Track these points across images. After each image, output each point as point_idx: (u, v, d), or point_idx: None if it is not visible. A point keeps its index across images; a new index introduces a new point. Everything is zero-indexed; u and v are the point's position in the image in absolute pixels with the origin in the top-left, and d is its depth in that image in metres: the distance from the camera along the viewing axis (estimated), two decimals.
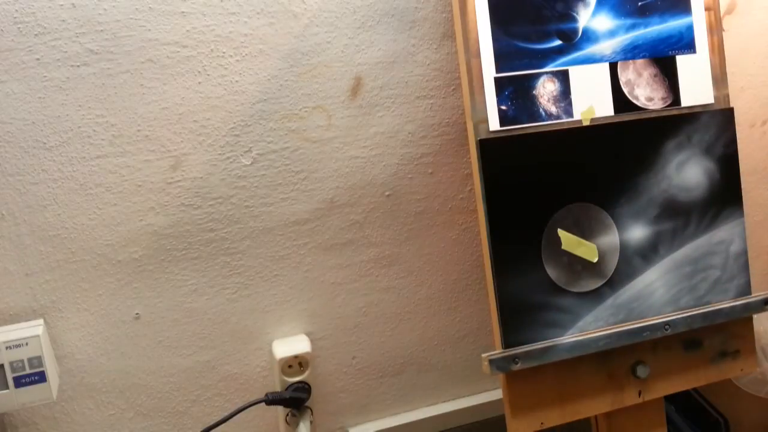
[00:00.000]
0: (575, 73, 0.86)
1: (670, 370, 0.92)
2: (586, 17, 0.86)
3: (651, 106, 0.89)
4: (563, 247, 0.86)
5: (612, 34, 0.87)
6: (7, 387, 0.83)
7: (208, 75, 0.86)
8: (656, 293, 0.89)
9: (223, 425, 0.92)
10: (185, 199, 0.89)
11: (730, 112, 0.92)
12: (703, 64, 0.91)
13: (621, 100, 0.88)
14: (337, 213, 0.96)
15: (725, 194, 0.92)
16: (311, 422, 0.98)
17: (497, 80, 0.83)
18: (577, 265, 0.86)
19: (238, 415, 0.93)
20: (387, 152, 0.96)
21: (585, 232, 0.87)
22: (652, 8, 0.88)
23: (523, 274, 0.84)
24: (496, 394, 1.10)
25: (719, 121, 0.91)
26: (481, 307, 1.07)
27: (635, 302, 0.88)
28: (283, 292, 0.96)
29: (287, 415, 0.98)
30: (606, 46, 0.87)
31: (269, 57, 0.88)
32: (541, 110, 0.85)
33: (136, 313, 0.91)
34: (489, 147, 0.83)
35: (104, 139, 0.84)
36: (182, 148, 0.87)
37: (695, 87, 0.91)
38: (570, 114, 0.86)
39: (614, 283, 0.88)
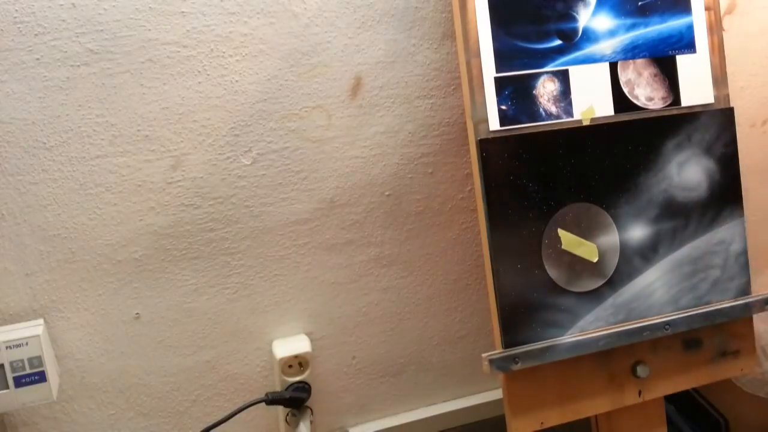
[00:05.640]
0: (575, 72, 0.86)
1: (670, 370, 0.92)
2: (586, 17, 0.86)
3: (651, 105, 0.89)
4: (563, 246, 0.86)
5: (612, 33, 0.87)
6: (7, 387, 0.83)
7: (208, 75, 0.86)
8: (656, 293, 0.89)
9: (223, 425, 0.92)
10: (185, 199, 0.89)
11: (730, 111, 0.92)
12: (703, 63, 0.91)
13: (621, 100, 0.88)
14: (337, 213, 0.96)
15: (725, 194, 0.92)
16: (311, 422, 0.98)
17: (497, 80, 0.83)
18: (577, 265, 0.86)
19: (238, 415, 0.93)
20: (387, 152, 0.96)
21: (585, 232, 0.87)
22: (652, 8, 0.88)
23: (523, 274, 0.84)
24: (496, 394, 1.10)
25: (719, 121, 0.91)
26: (481, 307, 1.08)
27: (635, 302, 0.88)
28: (283, 292, 0.97)
29: (287, 415, 0.98)
30: (606, 46, 0.87)
31: (269, 57, 0.88)
32: (541, 110, 0.85)
33: (136, 313, 0.91)
34: (489, 147, 0.83)
35: (104, 139, 0.84)
36: (182, 148, 0.87)
37: (695, 87, 0.91)
38: (570, 114, 0.86)
39: (614, 282, 0.88)
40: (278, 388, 0.96)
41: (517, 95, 0.84)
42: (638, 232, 0.88)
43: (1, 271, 0.85)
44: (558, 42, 0.85)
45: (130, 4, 0.81)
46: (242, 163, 0.90)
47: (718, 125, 0.91)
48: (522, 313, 0.84)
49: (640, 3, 0.88)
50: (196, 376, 0.96)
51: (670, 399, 1.14)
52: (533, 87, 0.85)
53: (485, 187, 0.83)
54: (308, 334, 0.99)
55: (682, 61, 0.90)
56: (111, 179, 0.86)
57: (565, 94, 0.86)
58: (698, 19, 0.91)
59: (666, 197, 0.89)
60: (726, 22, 1.07)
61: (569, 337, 0.85)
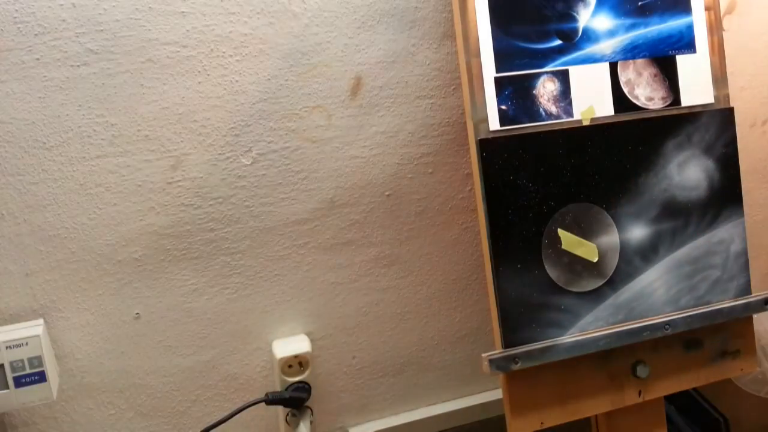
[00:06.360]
0: (575, 72, 0.86)
1: (670, 370, 0.92)
2: (586, 17, 0.86)
3: (651, 105, 0.89)
4: (563, 246, 0.86)
5: (612, 33, 0.87)
6: (7, 387, 0.83)
7: (208, 75, 0.86)
8: (656, 293, 0.89)
9: (223, 425, 0.92)
10: (185, 199, 0.89)
11: (730, 111, 0.92)
12: (703, 63, 0.91)
13: (621, 100, 0.88)
14: (337, 213, 0.96)
15: (725, 194, 0.92)
16: (311, 422, 0.98)
17: (497, 80, 0.83)
18: (577, 265, 0.86)
19: (238, 415, 0.93)
20: (387, 152, 0.96)
21: (585, 231, 0.87)
22: (652, 8, 0.88)
23: (523, 274, 0.84)
24: (496, 394, 1.10)
25: (719, 121, 0.91)
26: (481, 307, 1.07)
27: (635, 302, 0.88)
28: (283, 292, 0.96)
29: (287, 415, 0.98)
30: (606, 46, 0.87)
31: (269, 57, 0.88)
32: (541, 110, 0.85)
33: (136, 313, 0.91)
34: (489, 147, 0.83)
35: (104, 139, 0.84)
36: (182, 148, 0.87)
37: (695, 87, 0.91)
38: (570, 114, 0.86)
39: (614, 282, 0.88)
40: (278, 388, 0.96)
41: (517, 95, 0.84)
42: (638, 232, 0.88)
43: (1, 271, 0.85)
44: (558, 42, 0.85)
45: (130, 4, 0.81)
46: (242, 163, 0.90)
47: (718, 125, 0.91)
48: (522, 313, 0.84)
49: (640, 3, 0.88)
50: (196, 376, 0.96)
51: (670, 399, 1.14)
52: (533, 87, 0.85)
53: (485, 187, 0.83)
54: (308, 334, 0.99)
55: (682, 61, 0.90)
56: (111, 179, 0.86)
57: (565, 94, 0.86)
58: (698, 19, 0.91)
59: (666, 197, 0.89)
60: (726, 22, 1.07)
61: (569, 337, 0.85)
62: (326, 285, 0.98)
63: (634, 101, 0.89)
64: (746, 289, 0.93)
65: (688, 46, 0.91)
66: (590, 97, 0.87)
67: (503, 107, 0.84)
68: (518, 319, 0.84)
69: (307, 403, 0.97)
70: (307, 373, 0.96)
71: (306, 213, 0.95)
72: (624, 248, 0.88)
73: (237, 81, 0.87)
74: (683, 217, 0.90)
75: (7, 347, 0.82)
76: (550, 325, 0.85)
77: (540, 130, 0.85)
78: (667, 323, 0.88)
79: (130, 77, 0.83)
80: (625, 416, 0.93)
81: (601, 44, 0.87)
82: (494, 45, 0.83)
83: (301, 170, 0.93)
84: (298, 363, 0.96)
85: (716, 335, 0.93)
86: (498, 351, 0.84)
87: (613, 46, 0.88)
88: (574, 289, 0.86)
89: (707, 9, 0.91)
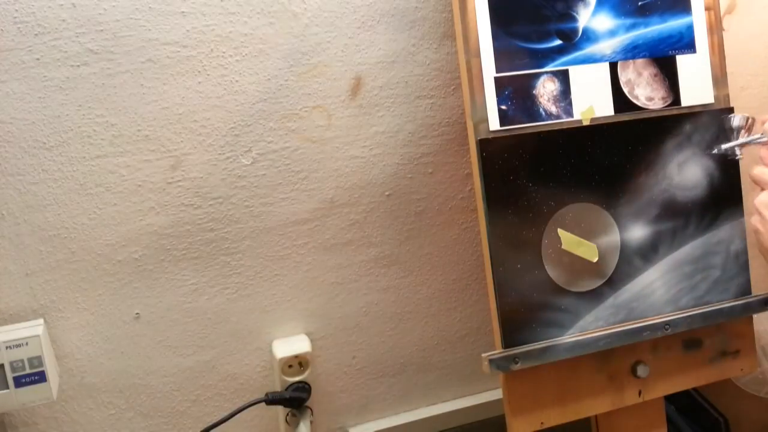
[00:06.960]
0: (575, 72, 0.86)
1: (670, 370, 0.92)
2: (586, 17, 0.86)
3: (651, 105, 0.89)
4: (563, 246, 0.86)
5: (612, 33, 0.87)
6: (7, 387, 0.83)
7: (208, 75, 0.86)
8: (656, 293, 0.89)
9: (223, 425, 0.92)
10: (185, 199, 0.89)
11: (730, 111, 0.92)
12: (703, 63, 0.91)
13: (621, 100, 0.88)
14: (337, 213, 0.96)
15: (725, 194, 0.92)
16: (311, 422, 0.98)
17: (497, 80, 0.83)
18: (577, 265, 0.86)
19: (238, 415, 0.93)
20: (387, 152, 0.96)
21: (585, 232, 0.87)
22: (652, 8, 0.88)
23: (523, 274, 0.84)
24: (496, 394, 1.10)
25: (719, 121, 0.91)
26: (481, 307, 1.07)
27: (635, 302, 0.88)
28: (283, 292, 0.96)
29: (287, 414, 0.98)
30: (606, 46, 0.87)
31: (269, 57, 0.88)
32: (541, 110, 0.85)
33: (136, 313, 0.91)
34: (489, 147, 0.83)
35: (104, 139, 0.84)
36: (182, 148, 0.87)
37: (695, 87, 0.91)
38: (570, 114, 0.86)
39: (614, 282, 0.88)
40: (278, 388, 0.96)
41: (517, 95, 0.84)
42: (638, 232, 0.88)
43: (1, 271, 0.85)
44: (558, 42, 0.85)
45: (130, 4, 0.81)
46: (242, 163, 0.90)
47: (718, 125, 0.91)
48: (522, 312, 0.84)
49: (640, 3, 0.88)
50: (196, 376, 0.96)
51: (670, 399, 1.14)
52: (533, 87, 0.85)
53: (485, 187, 0.83)
54: (308, 334, 0.99)
55: (682, 61, 0.90)
56: (111, 179, 0.86)
57: (565, 94, 0.86)
58: (698, 19, 0.91)
59: (666, 197, 0.89)
60: (726, 22, 1.07)
61: (569, 337, 0.85)
62: (326, 285, 0.98)
63: (634, 101, 0.89)
64: (746, 289, 0.93)
65: (688, 46, 0.91)
66: (590, 97, 0.87)
67: (503, 107, 0.84)
68: (518, 319, 0.84)
69: (307, 403, 0.97)
70: (307, 373, 0.96)
71: (306, 213, 0.95)
72: (624, 248, 0.88)
73: (237, 81, 0.87)
74: (683, 217, 0.90)
75: (7, 347, 0.82)
76: (550, 325, 0.85)
77: (540, 130, 0.85)
78: (667, 323, 0.88)
79: (130, 77, 0.83)
80: (625, 416, 0.93)
81: (601, 44, 0.87)
82: (494, 45, 0.83)
83: (301, 170, 0.93)
84: (298, 363, 0.96)
85: (716, 335, 0.93)
86: (498, 351, 0.84)
87: (613, 46, 0.88)
88: (574, 289, 0.86)
89: (707, 9, 0.91)
